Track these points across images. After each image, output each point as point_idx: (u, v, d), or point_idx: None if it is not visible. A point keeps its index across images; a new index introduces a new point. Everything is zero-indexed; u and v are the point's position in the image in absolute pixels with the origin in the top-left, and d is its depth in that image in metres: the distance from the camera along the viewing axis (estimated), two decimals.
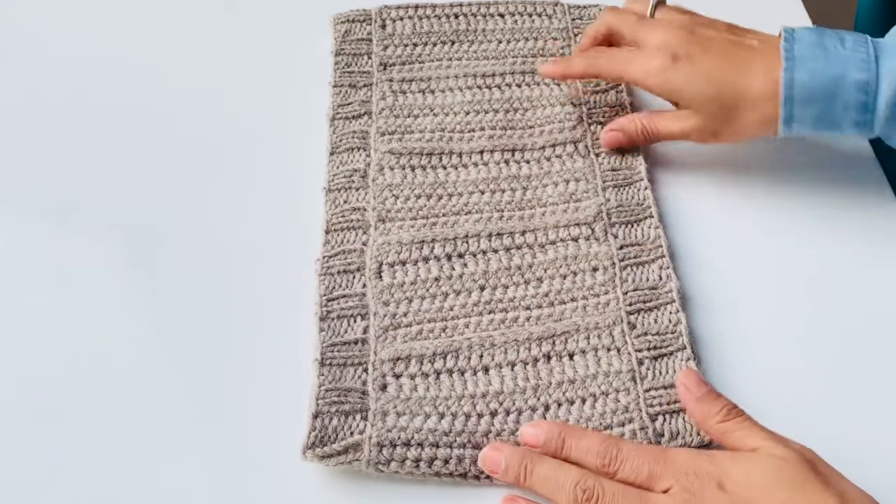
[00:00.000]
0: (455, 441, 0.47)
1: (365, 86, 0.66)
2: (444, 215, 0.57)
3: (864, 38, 0.55)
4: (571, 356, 0.51)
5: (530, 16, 0.70)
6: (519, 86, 0.65)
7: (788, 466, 0.41)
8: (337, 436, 0.47)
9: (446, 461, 0.46)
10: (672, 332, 0.52)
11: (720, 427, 0.45)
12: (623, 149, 0.61)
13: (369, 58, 0.67)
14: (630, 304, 0.53)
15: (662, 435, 0.47)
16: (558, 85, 0.65)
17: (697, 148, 0.61)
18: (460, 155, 0.61)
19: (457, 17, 0.70)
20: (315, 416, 0.47)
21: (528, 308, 0.53)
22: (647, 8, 0.61)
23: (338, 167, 0.61)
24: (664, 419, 0.48)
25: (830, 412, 0.49)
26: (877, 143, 0.60)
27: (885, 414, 0.50)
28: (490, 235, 0.56)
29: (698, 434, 0.47)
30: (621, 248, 0.56)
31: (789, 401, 0.50)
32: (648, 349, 0.51)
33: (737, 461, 0.42)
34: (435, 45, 0.68)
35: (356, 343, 0.51)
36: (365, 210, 0.58)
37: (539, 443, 0.46)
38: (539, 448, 0.46)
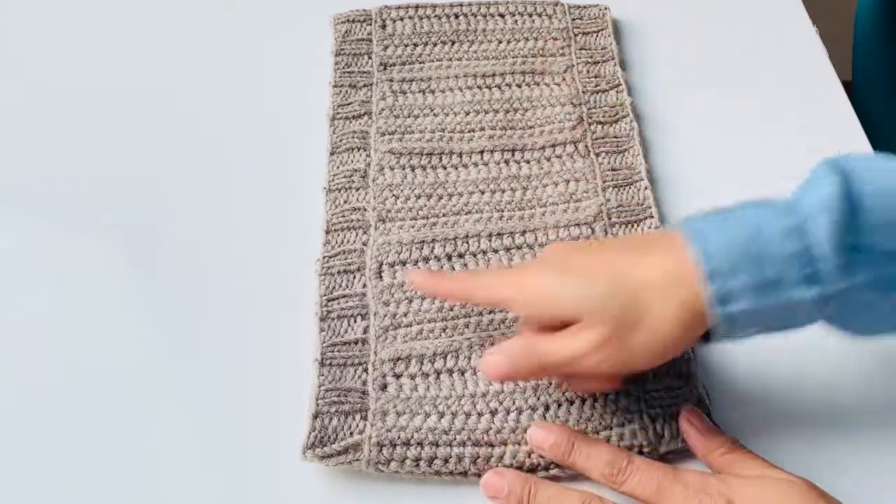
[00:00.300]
0: (455, 439, 0.47)
1: (365, 86, 0.66)
2: (444, 215, 0.57)
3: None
4: None
5: (530, 16, 0.70)
6: (519, 86, 0.65)
7: (798, 490, 0.41)
8: (337, 436, 0.47)
9: (446, 460, 0.46)
10: None
11: (723, 459, 0.45)
12: (622, 148, 0.61)
13: (369, 58, 0.67)
14: None
15: (662, 436, 0.47)
16: (558, 85, 0.65)
17: (696, 147, 0.61)
18: (460, 155, 0.61)
19: (457, 17, 0.70)
20: (315, 417, 0.48)
21: None
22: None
23: (338, 167, 0.61)
24: (664, 420, 0.48)
25: (831, 413, 0.49)
26: None
27: (884, 413, 0.49)
28: (490, 235, 0.56)
29: None
30: None
31: (790, 401, 0.50)
32: None
33: (747, 484, 0.42)
34: (435, 45, 0.68)
35: (356, 343, 0.51)
36: (365, 210, 0.58)
37: (547, 444, 0.46)
38: (546, 449, 0.46)
